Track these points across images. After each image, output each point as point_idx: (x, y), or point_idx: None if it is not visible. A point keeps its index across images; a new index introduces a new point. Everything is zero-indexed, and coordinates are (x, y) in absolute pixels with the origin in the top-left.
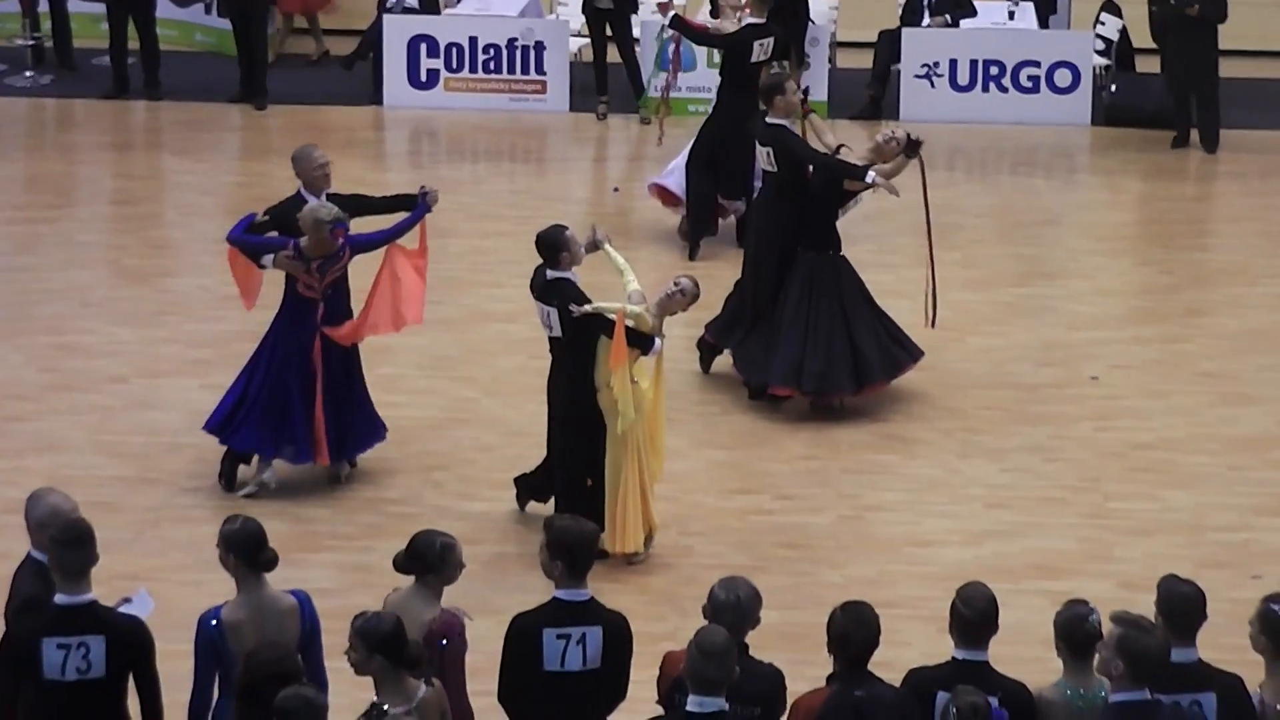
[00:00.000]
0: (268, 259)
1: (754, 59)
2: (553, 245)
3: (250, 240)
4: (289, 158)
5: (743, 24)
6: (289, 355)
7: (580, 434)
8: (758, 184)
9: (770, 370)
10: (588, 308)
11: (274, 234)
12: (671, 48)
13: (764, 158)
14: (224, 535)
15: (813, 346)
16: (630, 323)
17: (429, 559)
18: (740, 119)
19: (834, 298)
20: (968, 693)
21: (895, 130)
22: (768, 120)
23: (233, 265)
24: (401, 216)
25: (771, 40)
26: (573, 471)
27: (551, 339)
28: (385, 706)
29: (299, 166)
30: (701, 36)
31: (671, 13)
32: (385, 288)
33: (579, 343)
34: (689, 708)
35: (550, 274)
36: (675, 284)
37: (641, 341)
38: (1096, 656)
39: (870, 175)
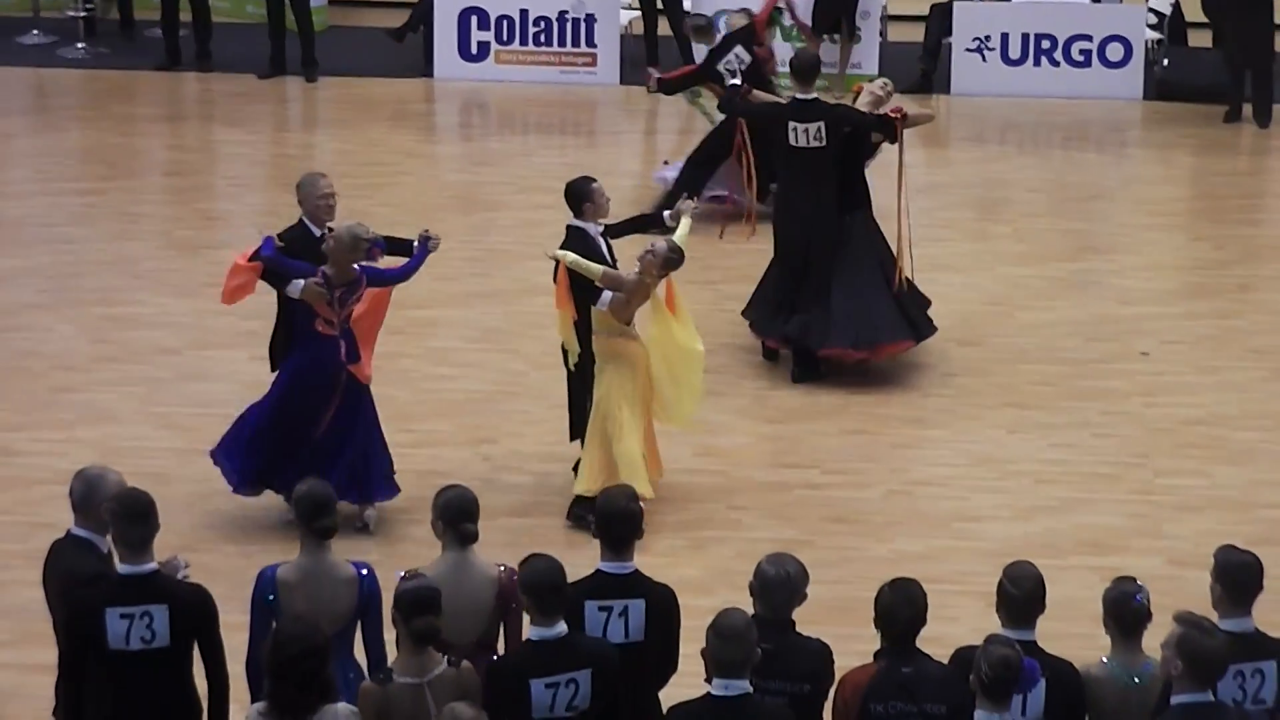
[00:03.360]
0: (296, 287)
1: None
2: (577, 194)
3: (284, 262)
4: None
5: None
6: (307, 393)
7: (584, 371)
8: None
9: (830, 335)
10: (568, 256)
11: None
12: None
13: (805, 135)
14: (294, 497)
15: (860, 303)
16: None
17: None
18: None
19: (861, 257)
20: (999, 643)
21: (883, 84)
22: (810, 97)
23: (231, 274)
24: (403, 259)
25: (741, 51)
26: (577, 403)
27: None
28: (392, 673)
29: (302, 194)
30: (688, 79)
31: (655, 78)
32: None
33: (582, 289)
34: (713, 692)
35: (572, 222)
36: (650, 246)
37: (591, 293)
38: (1160, 655)
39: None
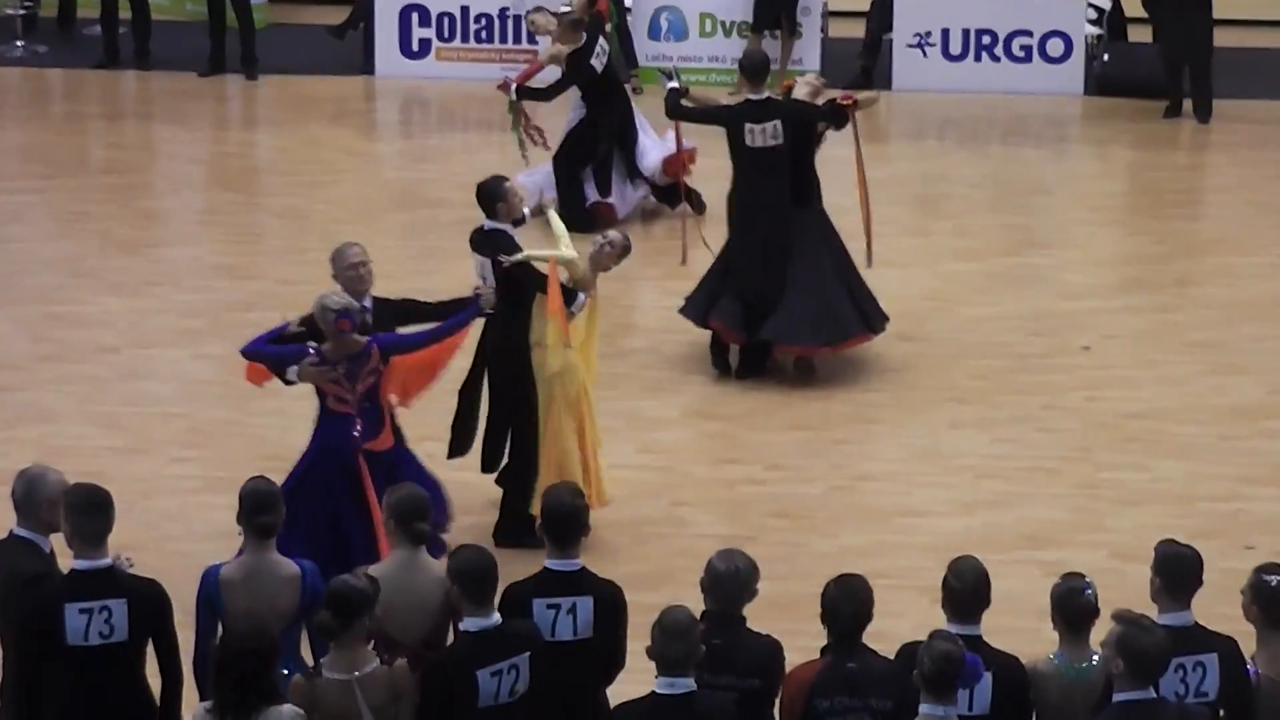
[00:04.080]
0: (292, 372)
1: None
2: (490, 195)
3: (268, 352)
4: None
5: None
6: (328, 473)
7: (506, 392)
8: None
9: (802, 334)
10: (519, 256)
11: (306, 344)
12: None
13: (762, 135)
14: (239, 494)
15: (821, 301)
16: (563, 273)
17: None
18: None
19: (819, 253)
20: (942, 638)
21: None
22: (763, 97)
23: (248, 373)
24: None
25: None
26: (498, 427)
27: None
28: (322, 668)
29: (334, 267)
30: (543, 92)
31: (513, 87)
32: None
33: (511, 298)
34: (658, 690)
35: (487, 224)
36: (604, 237)
37: (566, 295)
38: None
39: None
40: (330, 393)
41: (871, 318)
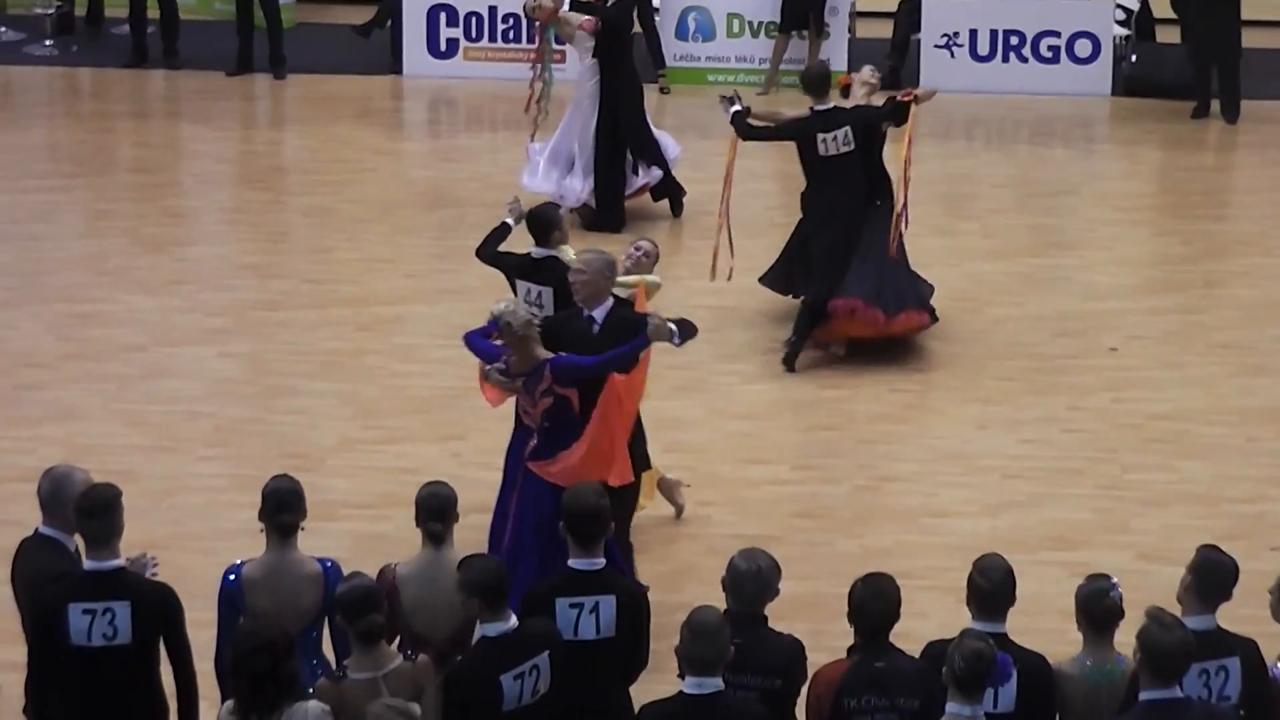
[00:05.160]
0: (490, 370)
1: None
2: (546, 223)
3: (477, 346)
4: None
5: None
6: (506, 484)
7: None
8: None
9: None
10: (643, 280)
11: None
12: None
13: (834, 143)
14: (262, 493)
15: (885, 274)
16: (649, 303)
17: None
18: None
19: (884, 245)
20: (973, 637)
21: (871, 71)
22: (828, 107)
23: (485, 392)
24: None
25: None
26: None
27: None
28: (347, 670)
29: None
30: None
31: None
32: (597, 428)
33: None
34: (686, 690)
35: (538, 252)
36: (637, 248)
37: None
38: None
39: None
40: (520, 404)
41: (927, 301)
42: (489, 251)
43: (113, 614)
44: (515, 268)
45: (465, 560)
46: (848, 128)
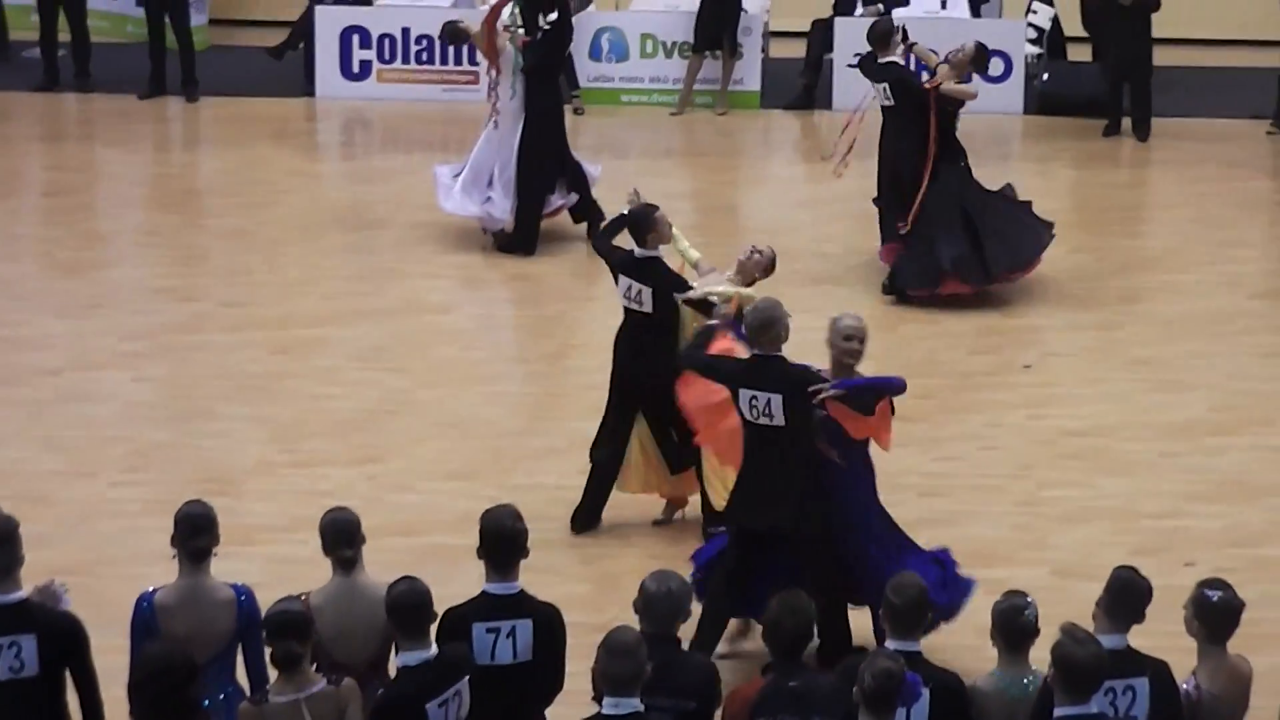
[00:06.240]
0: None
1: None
2: (642, 224)
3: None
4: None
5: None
6: None
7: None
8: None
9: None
10: (695, 293)
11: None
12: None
13: (881, 93)
14: (176, 516)
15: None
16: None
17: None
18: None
19: (967, 201)
20: (882, 655)
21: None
22: (881, 60)
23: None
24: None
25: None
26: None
27: (634, 312)
28: (268, 693)
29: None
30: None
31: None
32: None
33: (665, 320)
34: (605, 711)
35: (640, 252)
36: (755, 248)
37: (706, 309)
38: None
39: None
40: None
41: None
42: (604, 244)
43: (19, 647)
44: (620, 264)
45: (392, 584)
46: (886, 84)
